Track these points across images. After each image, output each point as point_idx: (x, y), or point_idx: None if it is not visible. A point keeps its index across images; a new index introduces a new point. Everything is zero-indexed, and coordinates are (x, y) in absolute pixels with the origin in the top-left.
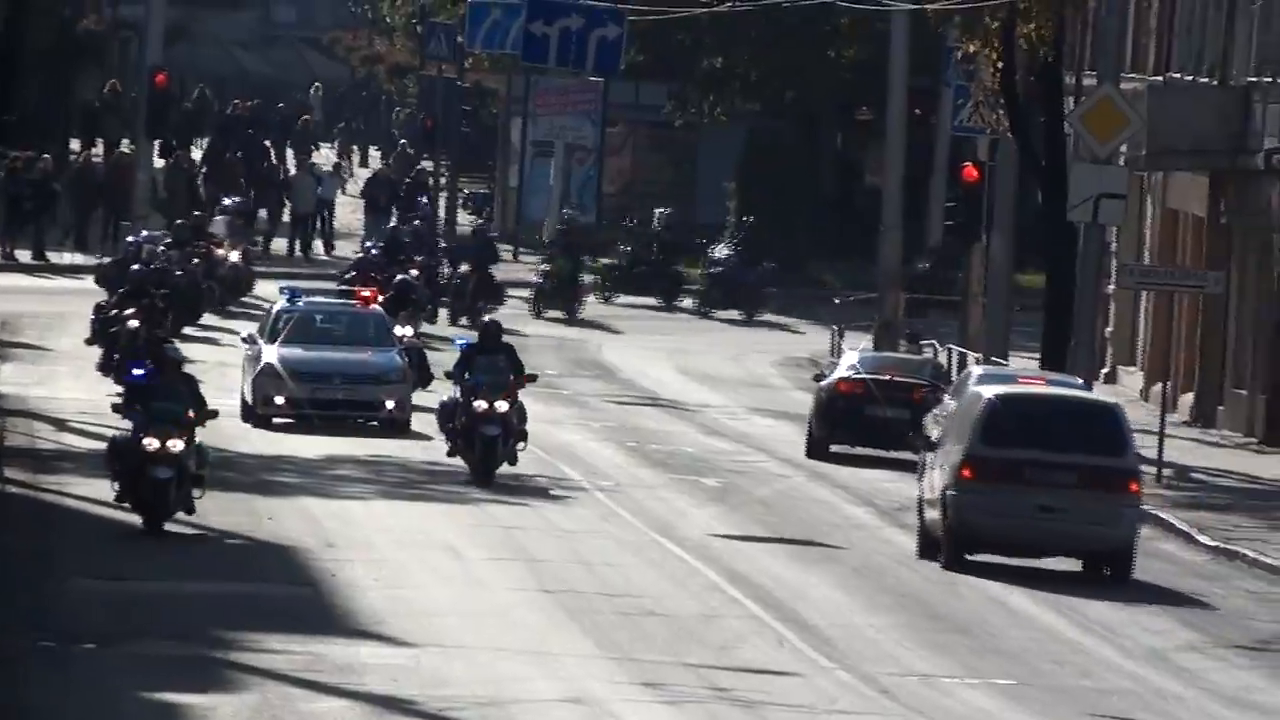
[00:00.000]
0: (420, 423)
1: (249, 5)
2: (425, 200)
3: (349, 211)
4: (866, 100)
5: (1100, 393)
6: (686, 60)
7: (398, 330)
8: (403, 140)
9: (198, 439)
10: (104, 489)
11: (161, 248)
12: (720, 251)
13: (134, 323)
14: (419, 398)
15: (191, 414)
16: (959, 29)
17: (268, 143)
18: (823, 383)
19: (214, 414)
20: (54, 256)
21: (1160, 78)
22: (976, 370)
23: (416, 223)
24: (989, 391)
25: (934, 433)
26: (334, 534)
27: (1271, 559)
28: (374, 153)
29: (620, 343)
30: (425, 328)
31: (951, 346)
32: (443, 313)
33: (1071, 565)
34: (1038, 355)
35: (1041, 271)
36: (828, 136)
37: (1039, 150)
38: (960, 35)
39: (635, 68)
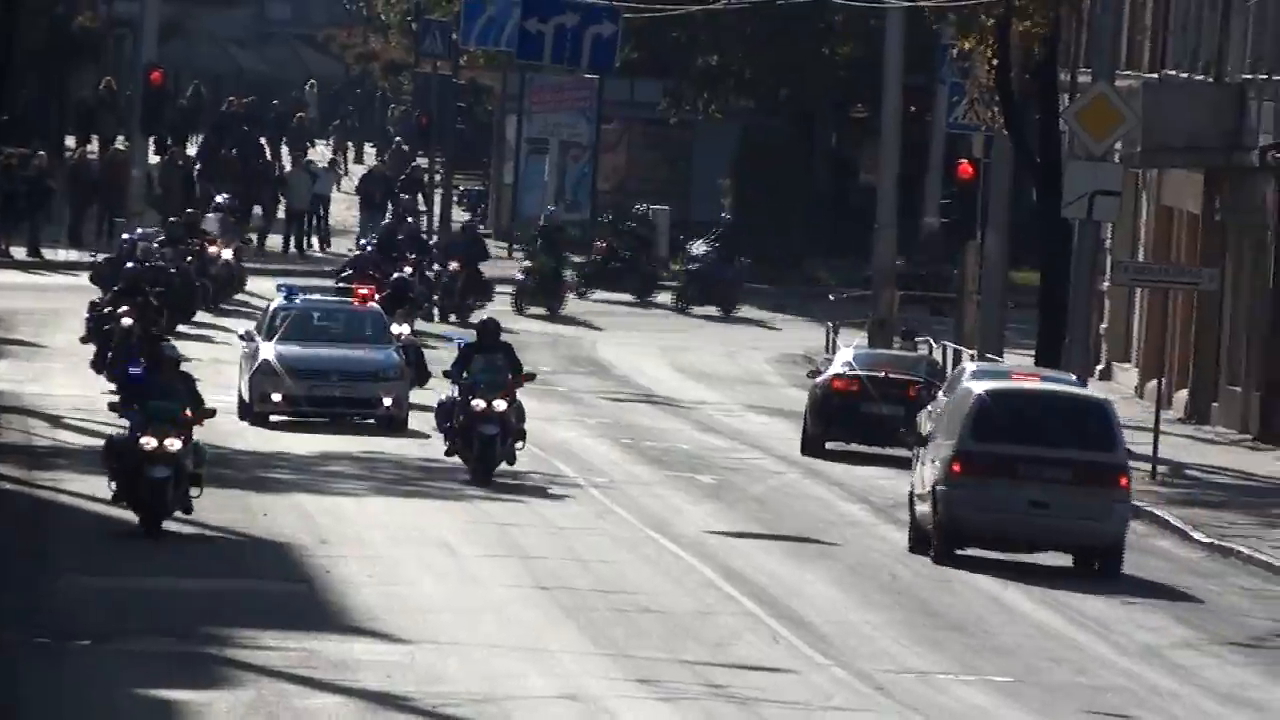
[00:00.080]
0: (417, 420)
1: (244, 2)
2: (407, 196)
3: (344, 208)
4: (861, 98)
5: (1094, 389)
6: (681, 57)
7: (395, 328)
8: (398, 137)
9: (195, 438)
10: (98, 485)
11: (155, 245)
12: (698, 248)
13: (128, 320)
14: (416, 395)
15: (189, 413)
16: (954, 26)
17: (263, 140)
18: (818, 380)
19: (211, 413)
20: (49, 253)
21: (1155, 75)
22: (970, 366)
23: (409, 220)
24: (979, 387)
25: (926, 428)
26: (328, 530)
27: (1266, 556)
28: (369, 150)
29: (614, 339)
30: (420, 325)
31: (946, 343)
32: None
33: (1061, 560)
34: (1033, 352)
35: (1036, 268)
36: (822, 134)
37: (1034, 147)
38: (955, 32)
39: (630, 65)
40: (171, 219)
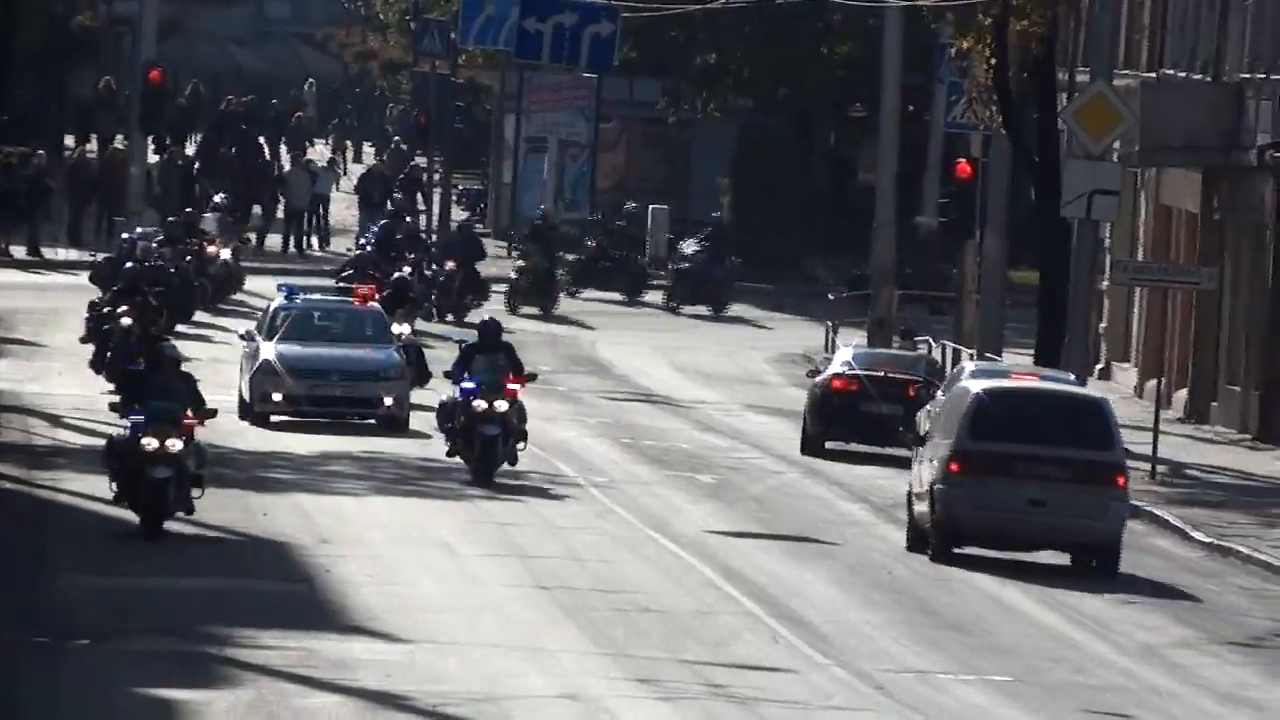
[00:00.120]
0: (418, 420)
1: (243, 1)
2: (400, 196)
3: (343, 208)
4: (860, 97)
5: (1093, 389)
6: (680, 57)
7: (395, 328)
8: (396, 136)
9: (196, 438)
10: (98, 485)
11: (154, 244)
12: (689, 247)
13: (127, 320)
14: (416, 396)
15: (190, 413)
16: (952, 25)
17: (261, 139)
18: (817, 379)
19: (213, 413)
20: (48, 252)
21: (1153, 74)
22: (969, 366)
23: (407, 219)
24: (976, 386)
25: (924, 428)
26: (328, 530)
27: (1265, 555)
28: (368, 149)
29: (611, 339)
30: (420, 325)
31: (946, 343)
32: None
33: (1058, 559)
34: (1032, 351)
35: (1035, 268)
36: (821, 133)
37: (1032, 147)
38: (953, 32)
39: (629, 64)
40: (170, 218)
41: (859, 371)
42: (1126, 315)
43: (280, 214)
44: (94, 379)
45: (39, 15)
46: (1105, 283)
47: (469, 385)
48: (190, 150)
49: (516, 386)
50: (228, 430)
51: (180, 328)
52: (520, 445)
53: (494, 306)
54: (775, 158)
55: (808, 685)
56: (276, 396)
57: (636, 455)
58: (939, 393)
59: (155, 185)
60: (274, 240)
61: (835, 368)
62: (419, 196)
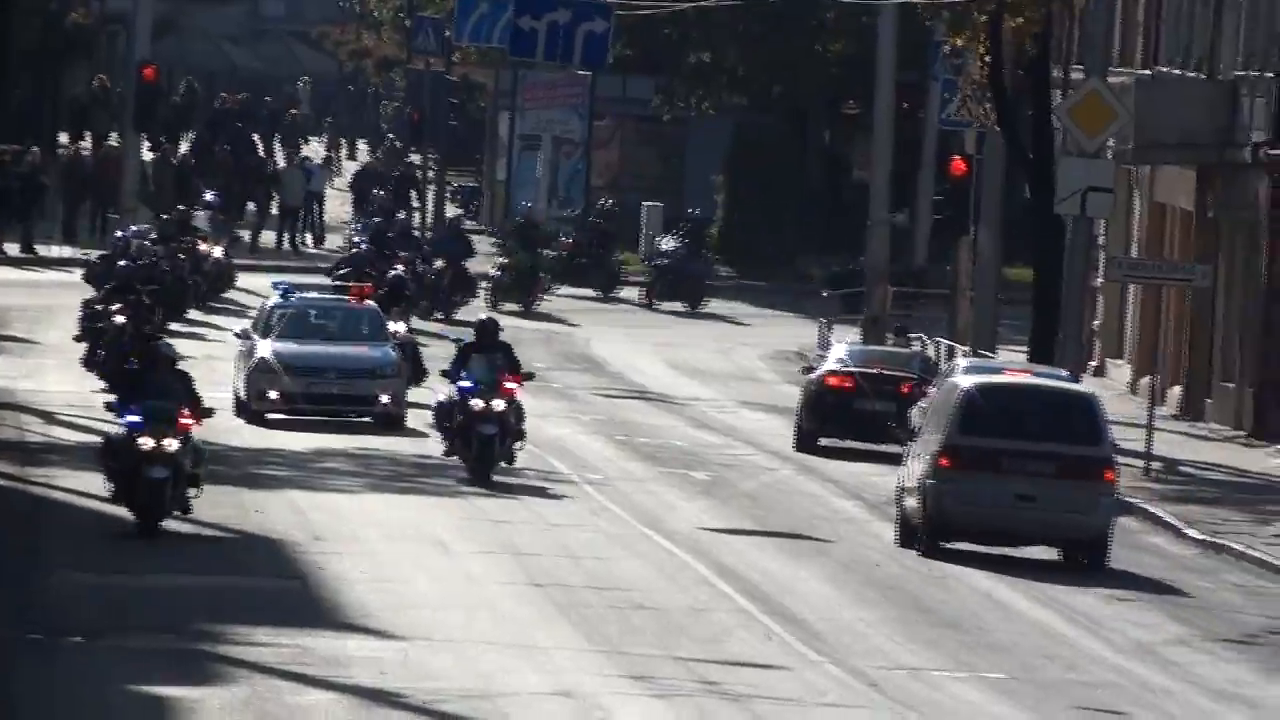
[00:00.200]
0: (414, 419)
1: None
2: (381, 193)
3: (338, 205)
4: (854, 94)
5: (1087, 385)
6: (674, 54)
7: (391, 326)
8: (390, 134)
9: (193, 438)
10: (92, 482)
11: (148, 242)
12: (667, 243)
13: (120, 318)
14: (412, 394)
15: (187, 412)
16: (947, 23)
17: (256, 136)
18: (811, 376)
19: (210, 412)
20: (42, 249)
21: (1148, 71)
22: (963, 363)
23: (398, 217)
24: (966, 382)
25: (916, 424)
26: (322, 527)
27: (1259, 552)
28: (362, 146)
29: (607, 336)
30: (415, 323)
31: (940, 340)
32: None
33: (1049, 554)
34: (1025, 348)
35: (1029, 265)
36: (815, 131)
37: (1026, 144)
38: (948, 29)
39: (623, 62)
40: (164, 216)
41: (853, 368)
42: (1121, 312)
43: (275, 211)
44: (86, 376)
45: (34, 14)
46: (1099, 280)
47: (466, 384)
48: (184, 148)
49: (514, 386)
50: (222, 427)
51: (173, 326)
52: (518, 445)
53: (477, 303)
54: (769, 155)
55: (801, 682)
56: (273, 394)
57: (630, 452)
58: (931, 389)
59: (150, 183)
60: (268, 237)
61: (829, 365)
62: (413, 194)
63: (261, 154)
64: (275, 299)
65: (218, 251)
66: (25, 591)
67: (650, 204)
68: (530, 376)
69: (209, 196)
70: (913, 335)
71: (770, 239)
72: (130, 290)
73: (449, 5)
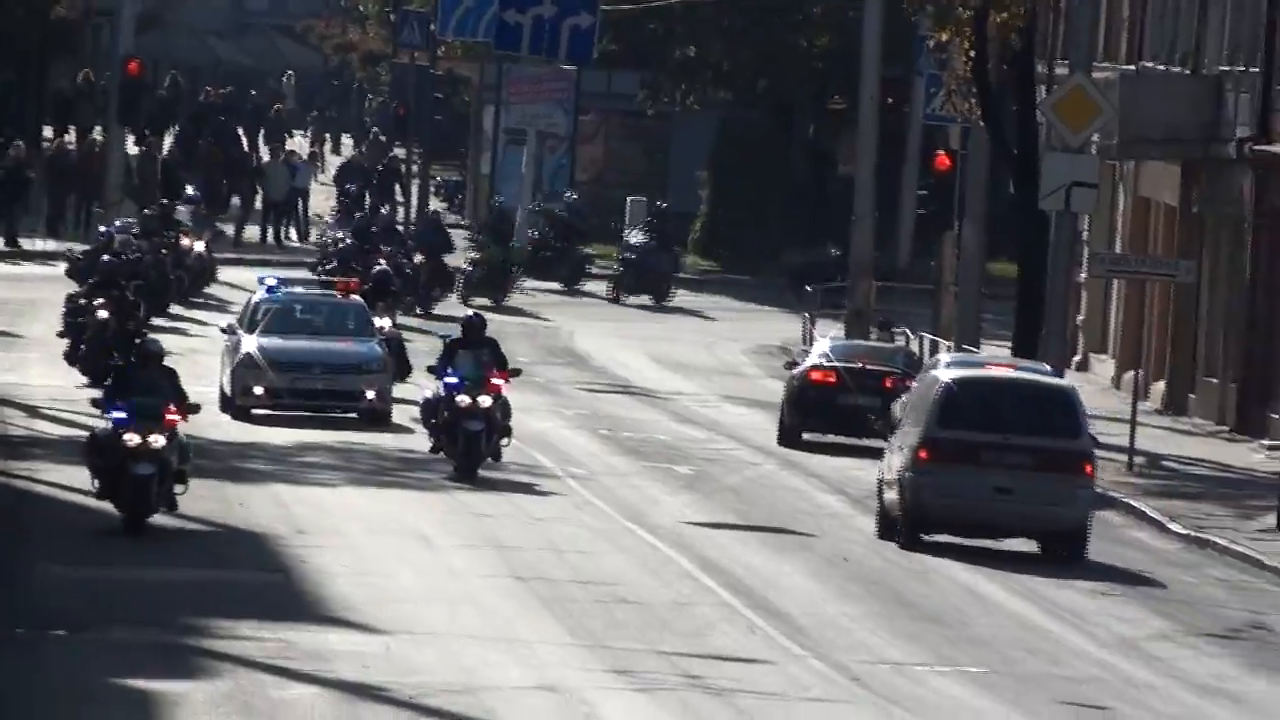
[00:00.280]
0: (399, 414)
1: None
2: (352, 187)
3: (322, 199)
4: (839, 89)
5: (1070, 380)
6: (659, 49)
7: (376, 321)
8: (375, 128)
9: (179, 434)
10: (75, 476)
11: (131, 236)
12: (634, 237)
13: (104, 313)
14: (397, 389)
15: (173, 408)
16: (931, 18)
17: (240, 130)
18: (794, 371)
19: (196, 408)
20: (26, 243)
21: (1132, 66)
22: (945, 358)
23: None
24: (945, 375)
25: (898, 417)
26: (305, 521)
27: (1242, 547)
28: (346, 140)
29: (590, 330)
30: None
31: (924, 334)
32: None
33: (1027, 547)
34: (1009, 343)
35: (1013, 260)
36: (800, 125)
37: (1011, 139)
38: (932, 24)
39: (608, 56)
40: (146, 211)
41: (836, 363)
42: (1104, 307)
43: (258, 206)
44: (69, 370)
45: (18, 7)
46: (1083, 275)
47: (452, 380)
48: (169, 142)
49: (501, 382)
50: (206, 422)
51: (155, 321)
52: (504, 441)
53: (453, 298)
54: (754, 150)
55: (784, 676)
56: (258, 390)
57: (614, 447)
58: (913, 384)
59: (134, 177)
60: (252, 232)
61: (813, 359)
62: (397, 188)
63: (246, 148)
64: (261, 294)
65: (200, 246)
66: (8, 585)
67: (634, 199)
68: (517, 373)
69: (190, 191)
70: (896, 330)
71: (755, 234)
72: (114, 285)
73: None
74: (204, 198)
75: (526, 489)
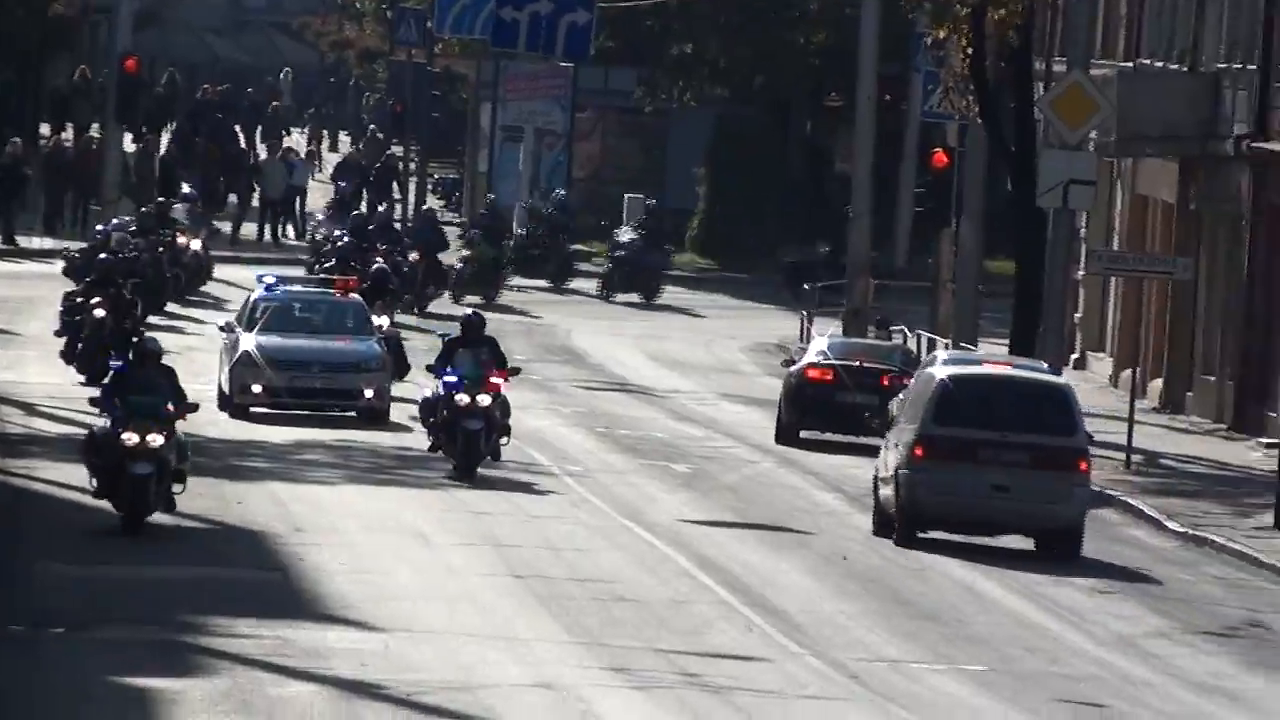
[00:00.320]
0: (396, 412)
1: None
2: (344, 184)
3: (319, 197)
4: (836, 86)
5: (1068, 378)
6: (656, 46)
7: (375, 320)
8: (372, 125)
9: (178, 433)
10: (73, 474)
11: (128, 234)
12: (624, 235)
13: (100, 312)
14: (395, 388)
15: (171, 407)
16: (929, 15)
17: (237, 127)
18: (792, 369)
19: (194, 407)
20: (23, 240)
21: (1130, 64)
22: (942, 355)
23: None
24: (941, 372)
25: (895, 415)
26: (302, 519)
27: (1240, 545)
28: (344, 138)
29: (587, 328)
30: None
31: (921, 332)
32: None
33: (1023, 544)
34: (1007, 341)
35: (1011, 257)
36: (797, 122)
37: (1009, 136)
38: (930, 21)
39: (605, 53)
40: (143, 209)
41: (834, 361)
42: (1102, 305)
43: (256, 203)
44: (67, 368)
45: (16, 5)
46: (1081, 272)
47: (451, 379)
48: (166, 140)
49: (500, 381)
50: (203, 419)
51: (152, 319)
52: (504, 440)
53: (447, 295)
54: (751, 147)
55: (782, 674)
56: (256, 388)
57: (611, 444)
58: (910, 381)
59: (131, 174)
60: (249, 229)
61: (810, 357)
62: (394, 185)
63: (243, 146)
64: (260, 292)
65: (196, 244)
66: (7, 583)
67: (631, 195)
68: (516, 372)
69: (186, 189)
70: (894, 328)
71: (752, 231)
72: (111, 284)
73: None
74: (201, 195)
75: (524, 487)
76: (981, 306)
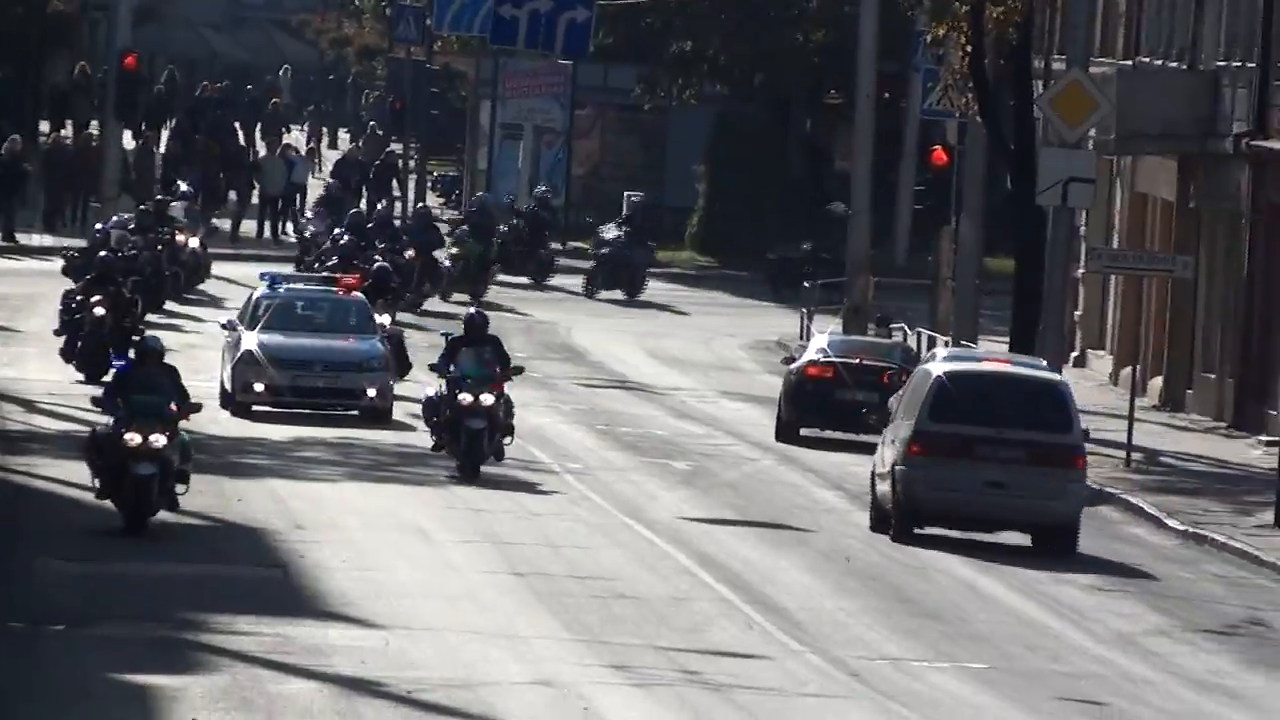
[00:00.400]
0: (399, 411)
1: None
2: (334, 182)
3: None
4: (835, 84)
5: (1068, 375)
6: (655, 43)
7: (377, 318)
8: (372, 123)
9: (180, 432)
10: (73, 471)
11: (127, 232)
12: (609, 232)
13: (100, 310)
14: (397, 387)
15: (174, 407)
16: (928, 12)
17: (237, 125)
18: (792, 366)
19: (197, 407)
20: (23, 238)
21: (1129, 62)
22: (942, 352)
23: (381, 205)
24: (938, 369)
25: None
26: (303, 516)
27: (1240, 543)
28: (343, 135)
29: (587, 325)
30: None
31: (921, 330)
32: None
33: (1021, 540)
34: (1007, 339)
35: (1011, 255)
36: (797, 120)
37: (1008, 134)
38: (929, 18)
39: (604, 50)
40: (141, 207)
41: (834, 359)
42: (1102, 303)
43: (255, 200)
44: (66, 365)
45: (15, 1)
46: (1080, 270)
47: (455, 378)
48: (166, 137)
49: (503, 380)
50: (204, 417)
51: (151, 317)
52: (507, 439)
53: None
54: (751, 145)
55: (782, 672)
56: (258, 387)
57: (611, 442)
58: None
59: (131, 171)
60: (248, 227)
61: (810, 355)
62: (394, 183)
63: (242, 143)
64: (262, 290)
65: (194, 242)
66: (6, 580)
67: (631, 193)
68: (519, 371)
69: (184, 187)
70: (894, 325)
71: (751, 229)
72: (110, 282)
73: None
74: (201, 193)
75: (524, 484)
76: (981, 304)
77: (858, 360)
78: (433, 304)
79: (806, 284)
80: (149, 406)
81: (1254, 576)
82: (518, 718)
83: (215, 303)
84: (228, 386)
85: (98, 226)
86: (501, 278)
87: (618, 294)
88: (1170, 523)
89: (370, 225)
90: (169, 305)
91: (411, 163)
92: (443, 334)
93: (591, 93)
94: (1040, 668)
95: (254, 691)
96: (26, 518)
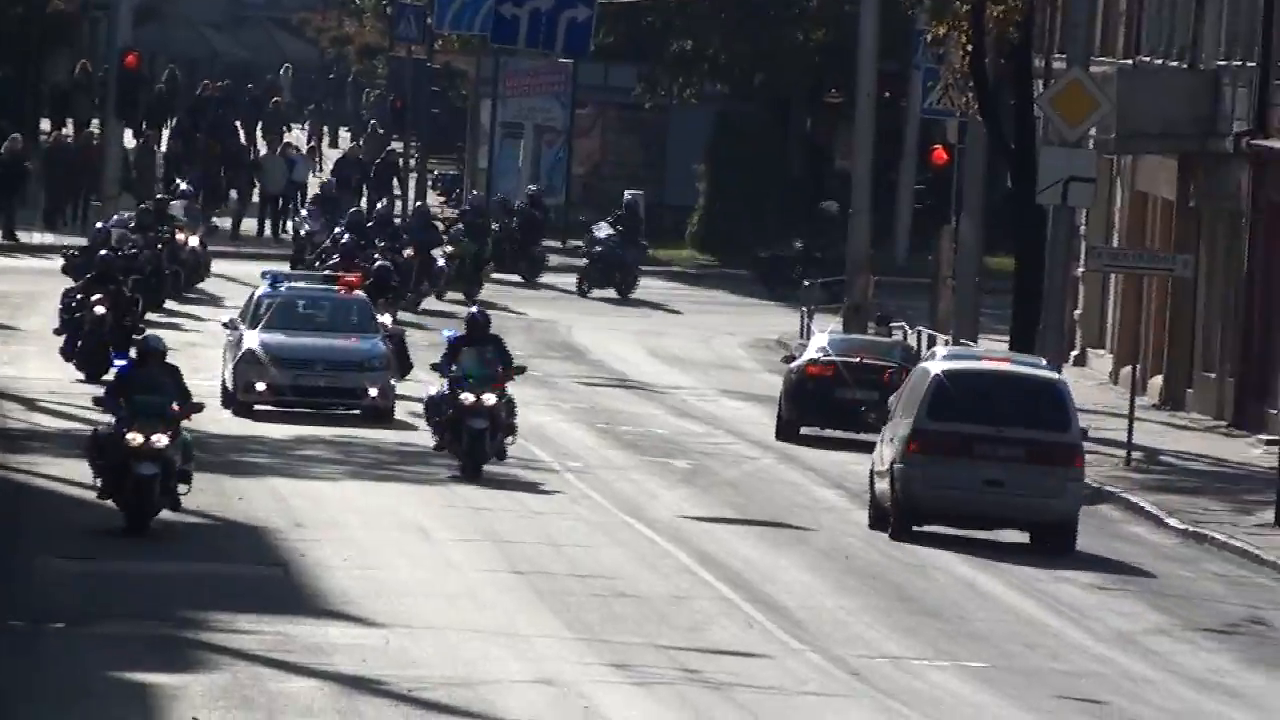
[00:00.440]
0: (400, 410)
1: None
2: (331, 181)
3: None
4: (836, 83)
5: (1068, 374)
6: (656, 42)
7: (378, 317)
8: (372, 121)
9: (182, 432)
10: (74, 469)
11: (128, 230)
12: (601, 230)
13: (100, 309)
14: (399, 386)
15: (176, 407)
16: (928, 12)
17: (237, 123)
18: (792, 365)
19: (199, 407)
20: (24, 236)
21: (1130, 61)
22: (942, 351)
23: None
24: (936, 367)
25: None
26: (303, 514)
27: (1240, 542)
28: (344, 134)
29: (589, 324)
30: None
31: (921, 328)
32: None
33: (1019, 538)
34: (1007, 337)
35: (1011, 254)
36: (797, 119)
37: (1008, 133)
38: (930, 17)
39: (605, 49)
40: (141, 206)
41: (834, 357)
42: (1102, 302)
43: (255, 199)
44: (67, 364)
45: (16, 2)
46: (1081, 269)
47: (457, 378)
48: (166, 135)
49: (505, 380)
50: (205, 416)
51: (150, 316)
52: (509, 439)
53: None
54: (751, 144)
55: (783, 670)
56: (260, 386)
57: (612, 440)
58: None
59: (131, 170)
60: (249, 225)
61: (810, 354)
62: (395, 182)
63: (243, 141)
64: (264, 288)
65: (194, 241)
66: (7, 578)
67: (631, 191)
68: (521, 370)
69: (184, 186)
70: (894, 324)
71: (752, 227)
72: (111, 280)
73: None
74: (201, 191)
75: (524, 483)
76: (981, 303)
77: (858, 359)
78: (428, 303)
79: (806, 283)
80: (151, 406)
81: (1254, 575)
82: (518, 716)
83: (215, 301)
84: (229, 385)
85: (98, 225)
86: (494, 276)
87: (610, 292)
88: (1170, 521)
89: (370, 224)
90: (169, 304)
91: (412, 161)
92: (445, 333)
93: (592, 92)
94: (1040, 666)
95: (255, 690)
96: (27, 516)
